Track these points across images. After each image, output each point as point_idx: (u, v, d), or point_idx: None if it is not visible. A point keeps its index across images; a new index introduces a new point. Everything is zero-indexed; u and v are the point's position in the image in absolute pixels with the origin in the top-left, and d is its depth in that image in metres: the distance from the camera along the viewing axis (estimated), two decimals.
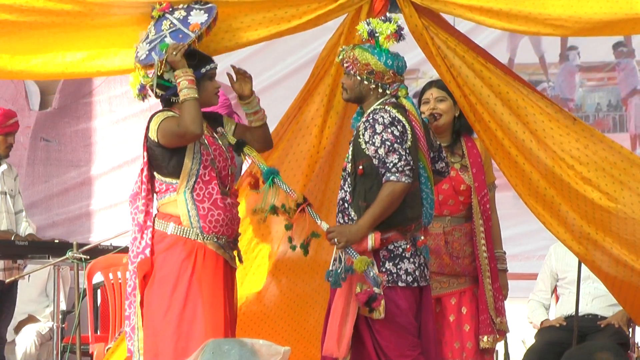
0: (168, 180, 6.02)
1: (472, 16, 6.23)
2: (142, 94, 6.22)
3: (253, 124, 6.23)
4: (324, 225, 6.09)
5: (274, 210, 6.20)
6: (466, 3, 6.24)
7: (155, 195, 6.21)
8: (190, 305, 6.12)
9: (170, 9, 6.18)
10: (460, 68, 6.41)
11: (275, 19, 6.35)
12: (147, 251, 6.09)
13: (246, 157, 6.63)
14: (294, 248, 6.26)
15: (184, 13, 6.16)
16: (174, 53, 6.00)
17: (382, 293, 6.01)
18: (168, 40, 5.96)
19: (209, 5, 6.18)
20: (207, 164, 6.10)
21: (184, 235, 6.08)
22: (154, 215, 6.19)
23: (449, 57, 6.46)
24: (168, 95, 5.94)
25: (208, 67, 6.13)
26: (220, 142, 6.21)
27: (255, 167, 6.48)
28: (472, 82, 6.43)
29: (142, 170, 6.13)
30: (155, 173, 6.06)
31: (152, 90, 6.08)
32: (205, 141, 6.03)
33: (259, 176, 6.43)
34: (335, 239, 5.97)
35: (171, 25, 6.09)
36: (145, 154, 6.04)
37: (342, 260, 6.04)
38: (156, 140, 5.86)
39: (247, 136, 6.32)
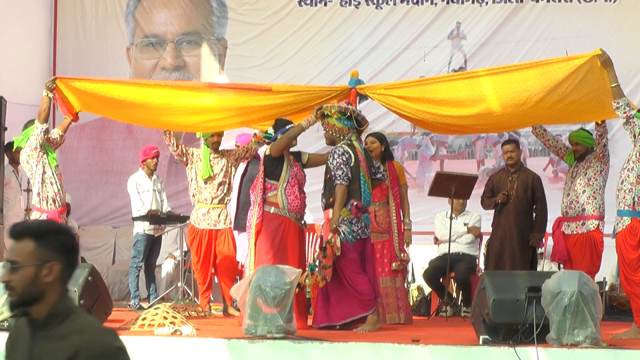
0: (272, 182, 7.65)
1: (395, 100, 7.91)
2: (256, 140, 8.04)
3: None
4: (330, 235, 7.37)
5: (325, 268, 7.36)
6: (386, 92, 8.06)
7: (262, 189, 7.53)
8: (281, 248, 7.57)
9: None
10: (390, 100, 8.10)
11: (304, 107, 8.14)
12: (259, 219, 7.57)
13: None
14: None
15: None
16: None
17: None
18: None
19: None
20: (292, 176, 7.71)
21: (279, 214, 7.69)
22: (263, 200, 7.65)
23: (386, 102, 8.11)
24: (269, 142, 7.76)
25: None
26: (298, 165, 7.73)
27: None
28: (398, 103, 8.09)
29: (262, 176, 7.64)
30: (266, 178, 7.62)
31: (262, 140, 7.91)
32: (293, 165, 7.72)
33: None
34: (334, 226, 7.34)
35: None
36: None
37: (343, 231, 7.30)
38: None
39: (311, 158, 8.02)
